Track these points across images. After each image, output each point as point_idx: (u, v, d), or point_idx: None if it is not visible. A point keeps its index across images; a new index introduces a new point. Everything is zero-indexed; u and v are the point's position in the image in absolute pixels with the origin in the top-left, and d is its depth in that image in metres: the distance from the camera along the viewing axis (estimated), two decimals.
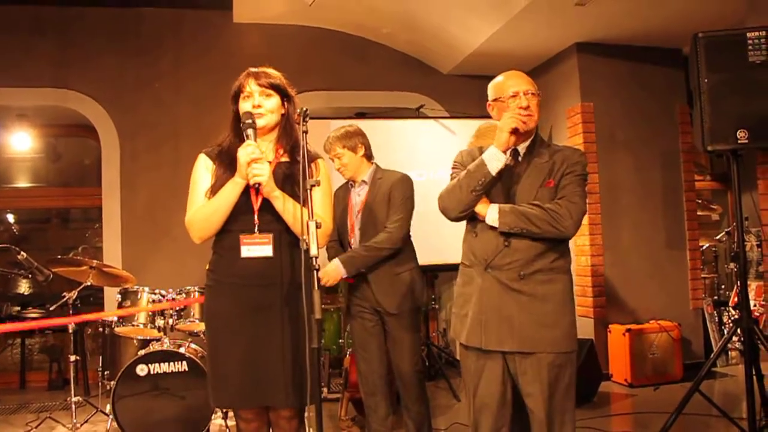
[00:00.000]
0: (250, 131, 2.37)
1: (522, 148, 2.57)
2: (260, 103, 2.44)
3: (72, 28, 5.89)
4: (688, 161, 5.82)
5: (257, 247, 2.38)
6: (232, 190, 2.36)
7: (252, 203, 2.39)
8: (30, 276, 2.87)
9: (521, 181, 2.52)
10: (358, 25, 6.14)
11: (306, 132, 2.32)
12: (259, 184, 2.32)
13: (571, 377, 2.46)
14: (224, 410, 4.17)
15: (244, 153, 2.31)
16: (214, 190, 2.41)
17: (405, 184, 3.56)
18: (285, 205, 2.37)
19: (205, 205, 2.41)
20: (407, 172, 3.69)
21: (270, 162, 2.43)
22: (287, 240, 2.41)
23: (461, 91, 6.35)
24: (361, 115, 6.20)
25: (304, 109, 2.35)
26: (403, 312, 3.49)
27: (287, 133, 2.49)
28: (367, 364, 3.59)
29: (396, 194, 3.52)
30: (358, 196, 3.61)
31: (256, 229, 2.37)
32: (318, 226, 2.17)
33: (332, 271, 3.41)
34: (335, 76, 6.25)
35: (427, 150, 5.82)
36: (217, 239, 2.46)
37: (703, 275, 6.31)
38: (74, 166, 7.70)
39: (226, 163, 2.42)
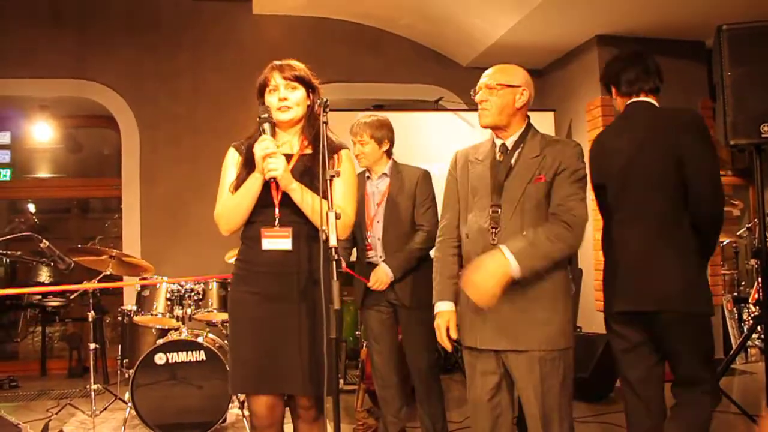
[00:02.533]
0: (266, 126, 2.39)
1: (510, 142, 2.53)
2: (286, 96, 2.44)
3: (92, 20, 5.95)
4: None
5: (277, 240, 2.40)
6: (252, 185, 2.39)
7: (272, 197, 2.41)
8: (52, 264, 2.90)
9: (509, 176, 2.47)
10: (377, 17, 6.13)
11: (326, 123, 2.32)
12: (275, 178, 2.33)
13: (566, 374, 2.41)
14: (241, 400, 4.20)
15: (259, 148, 2.34)
16: (238, 183, 2.44)
17: (429, 180, 3.59)
18: (303, 198, 2.38)
19: (230, 199, 2.45)
20: (425, 165, 3.70)
21: (293, 156, 2.45)
22: (307, 233, 2.42)
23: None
24: (379, 107, 6.19)
25: (325, 99, 2.35)
26: (421, 306, 3.47)
27: (311, 124, 2.50)
28: (381, 357, 3.59)
29: (423, 191, 3.54)
30: (376, 188, 3.60)
31: (276, 223, 2.39)
32: (338, 217, 2.17)
33: (383, 275, 3.43)
34: (353, 68, 6.25)
35: (446, 143, 5.76)
36: (244, 230, 2.50)
37: (723, 271, 6.25)
38: (94, 157, 7.77)
39: (250, 157, 2.43)
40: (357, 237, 3.63)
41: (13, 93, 5.96)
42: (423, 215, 3.52)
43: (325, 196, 2.24)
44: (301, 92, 2.48)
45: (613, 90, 2.98)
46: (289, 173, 2.36)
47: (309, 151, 2.48)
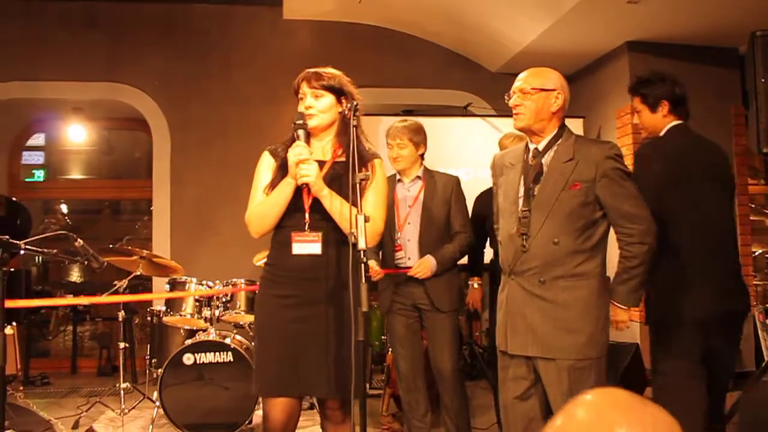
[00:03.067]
0: (300, 132, 2.43)
1: (542, 145, 2.50)
2: (311, 104, 2.48)
3: (125, 25, 6.05)
4: (741, 164, 5.66)
5: (307, 245, 2.43)
6: (284, 190, 2.42)
7: (303, 202, 2.43)
8: (86, 263, 2.95)
9: (542, 182, 2.45)
10: (406, 23, 6.15)
11: (357, 126, 2.34)
12: (307, 184, 2.36)
13: (597, 383, 2.38)
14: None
15: (292, 154, 2.37)
16: (272, 187, 2.48)
17: (460, 188, 3.66)
18: (333, 204, 2.41)
19: (262, 203, 2.49)
20: (454, 170, 3.76)
21: (325, 162, 2.47)
22: (336, 238, 2.44)
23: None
24: (408, 112, 6.20)
25: (355, 103, 2.38)
26: (448, 309, 3.53)
27: (345, 132, 2.49)
28: (406, 362, 3.60)
29: (459, 197, 3.62)
30: (407, 191, 3.63)
31: (306, 227, 2.42)
32: (366, 220, 2.19)
33: (430, 264, 3.46)
34: (383, 73, 6.27)
35: (475, 148, 5.79)
36: (274, 234, 2.53)
37: (755, 282, 6.15)
38: (124, 159, 7.90)
39: (285, 162, 2.46)
40: (384, 239, 3.63)
41: (48, 96, 6.09)
42: (460, 221, 3.59)
43: (354, 200, 2.26)
44: (328, 99, 2.49)
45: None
46: (321, 180, 2.40)
47: (342, 159, 2.49)
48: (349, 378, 2.28)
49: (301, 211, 2.43)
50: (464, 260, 4.27)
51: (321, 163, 2.46)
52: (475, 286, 4.09)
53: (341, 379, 2.38)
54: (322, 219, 2.43)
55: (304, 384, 2.43)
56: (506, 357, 2.52)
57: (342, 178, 2.43)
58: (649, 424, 0.81)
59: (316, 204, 2.42)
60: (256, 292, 2.65)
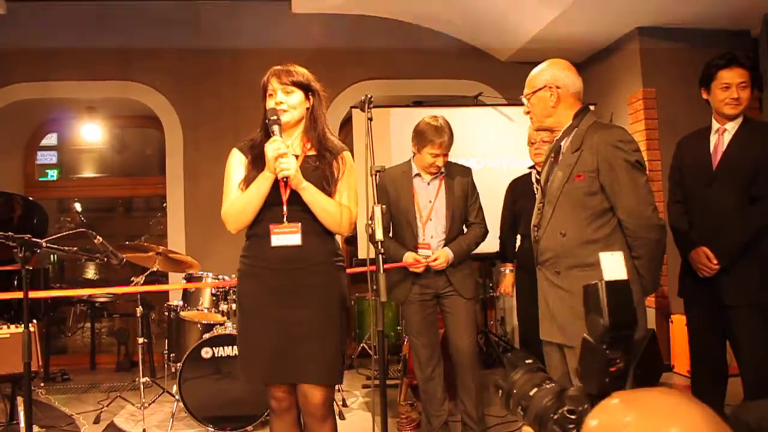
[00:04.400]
0: (275, 127, 2.49)
1: (559, 137, 2.54)
2: (281, 100, 2.55)
3: (135, 22, 6.06)
4: None
5: (286, 236, 2.49)
6: (262, 184, 2.48)
7: (281, 195, 2.50)
8: (105, 260, 2.99)
9: (553, 174, 2.51)
10: (415, 14, 6.14)
11: (371, 119, 2.37)
12: (287, 177, 2.42)
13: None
14: None
15: (270, 148, 2.43)
16: (247, 182, 2.54)
17: (473, 180, 3.71)
18: (312, 196, 2.47)
19: (239, 198, 2.55)
20: (465, 160, 3.78)
21: (297, 156, 2.53)
22: (314, 228, 2.52)
23: (520, 79, 6.16)
24: (419, 103, 6.20)
25: (369, 96, 2.40)
26: (473, 298, 3.62)
27: (313, 126, 2.59)
28: (425, 351, 3.63)
29: (473, 190, 3.68)
30: (427, 186, 3.64)
31: (284, 219, 2.48)
32: (383, 212, 2.21)
33: (447, 257, 3.51)
34: (393, 64, 6.27)
35: (486, 138, 5.79)
36: (250, 228, 2.60)
37: None
38: (136, 157, 7.94)
39: (257, 157, 2.53)
40: (403, 235, 3.65)
41: (61, 95, 6.13)
42: (475, 213, 3.65)
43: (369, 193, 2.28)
44: (297, 95, 2.56)
45: None
46: (300, 173, 2.45)
47: (312, 152, 2.58)
48: (335, 365, 2.41)
49: (278, 204, 2.49)
50: (492, 248, 4.31)
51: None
52: (507, 272, 4.10)
53: (324, 367, 2.47)
54: (299, 211, 2.50)
55: (290, 371, 2.49)
56: (544, 344, 2.60)
57: (317, 170, 2.52)
58: (702, 426, 0.80)
59: (293, 196, 2.48)
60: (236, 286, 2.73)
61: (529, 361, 1.14)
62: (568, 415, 0.97)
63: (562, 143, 2.51)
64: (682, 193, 3.23)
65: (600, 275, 2.34)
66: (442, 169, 3.64)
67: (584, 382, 1.07)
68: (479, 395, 3.65)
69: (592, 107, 2.48)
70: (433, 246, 3.58)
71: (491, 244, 4.20)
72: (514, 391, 1.11)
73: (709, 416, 0.81)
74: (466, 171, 3.70)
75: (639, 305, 2.50)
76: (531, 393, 1.07)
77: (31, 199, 5.58)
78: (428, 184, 3.64)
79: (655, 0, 4.88)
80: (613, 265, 1.11)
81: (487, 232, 3.68)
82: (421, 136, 3.57)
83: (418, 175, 3.66)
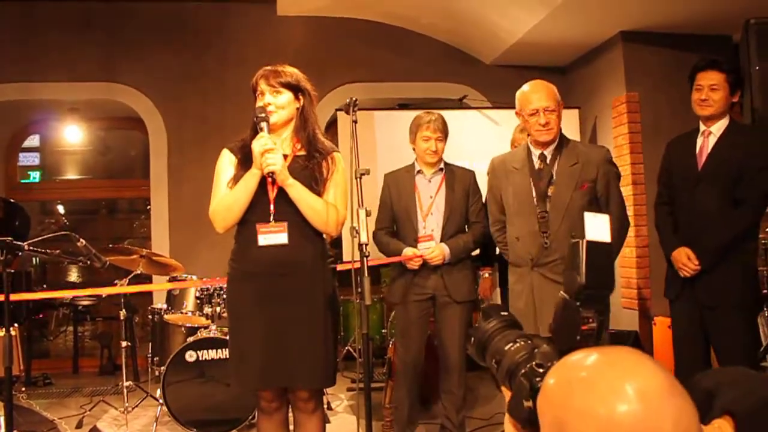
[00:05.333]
0: (263, 125, 2.49)
1: (549, 152, 2.87)
2: (269, 101, 2.55)
3: (120, 23, 6.03)
4: None
5: (273, 236, 2.49)
6: (249, 181, 2.48)
7: (268, 193, 2.50)
8: (89, 263, 2.96)
9: (555, 184, 2.81)
10: (400, 16, 6.15)
11: (356, 122, 2.37)
12: (273, 173, 2.42)
13: None
14: None
15: (257, 144, 2.44)
16: (236, 181, 2.54)
17: (476, 181, 3.76)
18: (299, 194, 2.47)
19: (227, 195, 2.55)
20: (450, 162, 3.78)
21: (286, 156, 2.53)
22: (302, 228, 2.51)
23: (504, 81, 6.30)
24: (404, 106, 6.21)
25: (354, 99, 2.41)
26: (467, 302, 3.61)
27: (302, 126, 2.59)
28: (410, 354, 3.62)
29: (476, 189, 3.71)
30: (428, 182, 3.67)
31: (271, 218, 2.48)
32: (368, 214, 2.22)
33: (444, 252, 3.52)
34: (378, 67, 6.27)
35: (470, 140, 5.79)
36: (237, 230, 2.60)
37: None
38: (119, 159, 7.88)
39: (246, 156, 2.53)
40: (404, 230, 3.66)
41: (44, 96, 6.08)
42: (478, 213, 3.67)
43: (355, 194, 2.28)
44: (286, 96, 2.56)
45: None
46: (287, 169, 2.46)
47: (302, 152, 2.58)
48: (325, 367, 2.43)
49: (265, 203, 2.50)
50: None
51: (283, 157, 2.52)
52: (486, 276, 4.11)
53: (314, 370, 2.48)
54: (286, 209, 2.49)
55: (282, 375, 2.50)
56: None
57: (306, 170, 2.52)
58: (657, 385, 0.79)
59: (280, 195, 2.48)
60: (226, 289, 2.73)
61: (505, 313, 1.16)
62: (536, 369, 0.99)
63: (556, 159, 2.87)
64: (668, 194, 3.29)
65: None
66: (442, 165, 3.67)
67: (556, 338, 1.09)
68: (463, 403, 3.65)
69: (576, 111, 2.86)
70: (434, 239, 3.61)
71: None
72: (490, 344, 1.12)
73: (666, 376, 0.81)
74: (469, 172, 3.76)
75: None
76: (506, 348, 1.09)
77: (12, 201, 5.52)
78: (430, 180, 3.67)
79: (638, 5, 4.92)
80: (598, 226, 1.15)
81: (487, 231, 3.62)
82: (413, 125, 3.65)
83: (420, 172, 3.69)
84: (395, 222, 3.72)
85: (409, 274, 3.59)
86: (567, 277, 1.12)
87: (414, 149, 3.70)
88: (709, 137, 3.16)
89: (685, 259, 3.06)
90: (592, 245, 1.13)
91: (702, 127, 3.19)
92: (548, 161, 2.85)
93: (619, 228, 2.84)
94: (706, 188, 3.07)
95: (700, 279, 3.05)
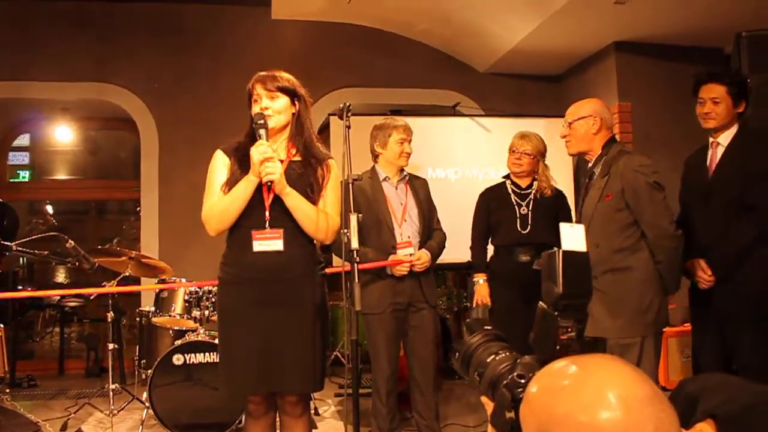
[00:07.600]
0: (262, 131, 2.48)
1: (591, 164, 3.01)
2: (267, 106, 2.54)
3: (113, 23, 6.01)
4: None
5: (268, 242, 2.48)
6: (246, 187, 2.46)
7: (264, 199, 2.49)
8: (77, 264, 2.94)
9: (586, 197, 2.96)
10: (395, 23, 6.16)
11: (349, 127, 2.37)
12: (272, 182, 2.41)
13: (641, 363, 2.75)
14: None
15: (256, 152, 2.42)
16: (230, 185, 2.52)
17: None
18: (295, 202, 2.47)
19: (222, 200, 2.53)
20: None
21: (282, 161, 2.52)
22: (296, 234, 2.51)
23: (498, 90, 6.33)
24: (397, 112, 6.19)
25: (347, 104, 2.41)
26: (435, 306, 3.67)
27: (299, 132, 2.58)
28: (391, 365, 3.53)
29: (430, 197, 3.78)
30: (395, 189, 3.66)
31: (267, 225, 2.47)
32: (359, 220, 2.21)
33: (427, 258, 3.55)
34: (371, 73, 6.27)
35: (463, 148, 5.80)
36: (230, 234, 2.57)
37: None
38: (109, 159, 7.84)
39: (241, 160, 2.52)
40: (379, 239, 3.58)
41: (36, 96, 6.04)
42: (437, 219, 3.77)
43: (346, 200, 2.29)
44: (283, 101, 2.56)
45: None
46: (284, 178, 2.45)
47: (298, 158, 2.57)
48: (313, 373, 2.45)
49: (260, 209, 2.48)
50: (466, 258, 4.30)
51: None
52: (481, 282, 4.06)
53: (303, 375, 2.49)
54: (283, 216, 2.48)
55: (274, 381, 2.49)
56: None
57: (301, 176, 2.52)
58: (638, 393, 0.81)
59: (276, 202, 2.47)
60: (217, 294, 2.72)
61: (488, 327, 1.17)
62: (517, 380, 1.00)
63: (595, 170, 2.94)
64: (682, 213, 3.29)
65: (630, 277, 2.78)
66: (405, 174, 3.69)
67: (536, 348, 1.11)
68: (435, 406, 3.62)
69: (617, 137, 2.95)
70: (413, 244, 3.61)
71: (465, 254, 4.19)
72: (473, 358, 1.13)
73: (647, 384, 0.82)
74: (423, 180, 3.85)
75: (662, 303, 2.90)
76: (488, 360, 1.10)
77: (1, 200, 5.48)
78: (396, 187, 3.66)
79: (631, 16, 4.95)
80: (573, 237, 1.17)
81: (445, 237, 3.78)
82: (382, 130, 3.63)
83: (386, 179, 3.66)
84: (365, 231, 3.52)
85: (382, 282, 3.52)
86: (545, 288, 1.13)
87: (379, 155, 3.65)
88: (717, 148, 3.15)
89: (699, 272, 3.06)
90: (569, 255, 1.14)
91: (711, 139, 3.19)
92: (594, 178, 2.97)
93: (659, 238, 2.84)
94: (717, 198, 3.07)
95: (717, 289, 3.04)
